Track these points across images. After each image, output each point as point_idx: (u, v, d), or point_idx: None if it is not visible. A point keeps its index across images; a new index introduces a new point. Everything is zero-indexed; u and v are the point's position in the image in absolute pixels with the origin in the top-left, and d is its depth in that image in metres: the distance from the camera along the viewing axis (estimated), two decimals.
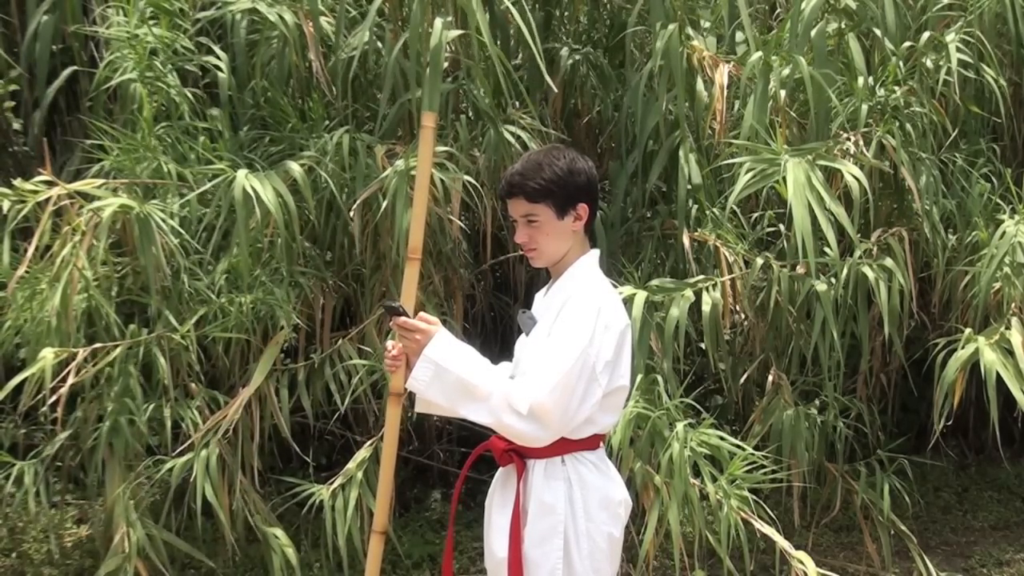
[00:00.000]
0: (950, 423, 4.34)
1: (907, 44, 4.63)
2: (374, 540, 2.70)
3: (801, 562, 3.84)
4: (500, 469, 2.70)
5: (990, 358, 4.08)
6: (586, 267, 2.63)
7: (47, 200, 3.92)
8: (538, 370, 2.47)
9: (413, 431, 4.76)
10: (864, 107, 4.47)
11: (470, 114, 4.80)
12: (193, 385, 4.19)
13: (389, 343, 2.61)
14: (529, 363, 2.55)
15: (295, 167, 4.19)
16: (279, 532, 4.08)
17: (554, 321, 2.55)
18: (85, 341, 3.99)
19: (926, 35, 4.63)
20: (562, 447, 2.56)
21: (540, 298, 2.75)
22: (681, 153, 4.60)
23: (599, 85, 5.21)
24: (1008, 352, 4.12)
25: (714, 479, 3.86)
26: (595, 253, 2.67)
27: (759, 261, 4.39)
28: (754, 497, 3.88)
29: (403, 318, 2.50)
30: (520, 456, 2.59)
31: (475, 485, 5.04)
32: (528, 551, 2.55)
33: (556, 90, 4.72)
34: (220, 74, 4.46)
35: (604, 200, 4.96)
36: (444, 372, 2.45)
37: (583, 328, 2.48)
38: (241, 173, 4.02)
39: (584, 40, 5.37)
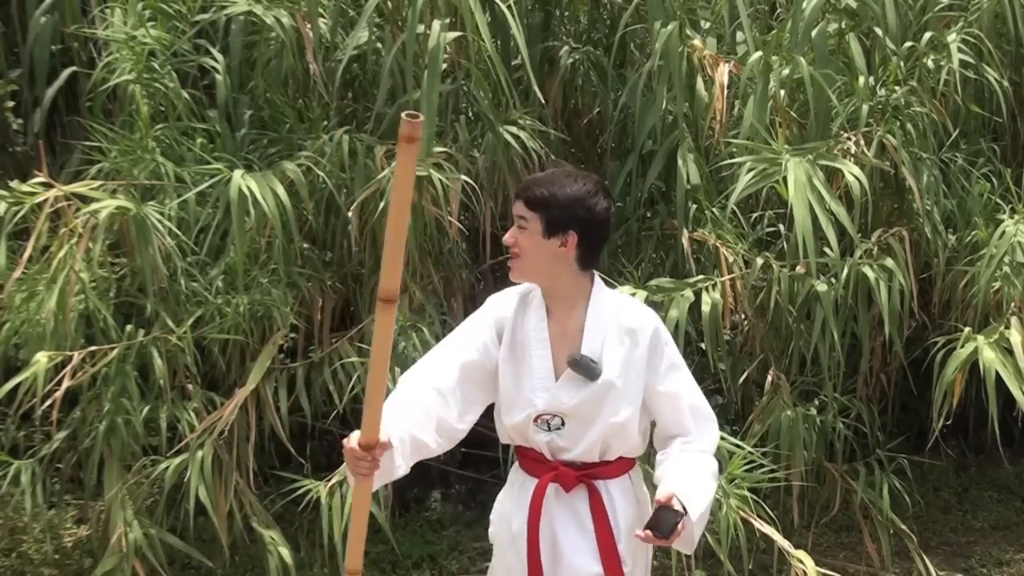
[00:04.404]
0: (950, 423, 4.33)
1: (908, 44, 4.62)
2: None
3: (801, 561, 3.83)
4: (547, 491, 2.65)
5: (989, 357, 4.07)
6: (610, 291, 2.71)
7: (44, 202, 3.92)
8: (698, 412, 2.69)
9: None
10: (865, 107, 4.46)
11: (470, 114, 4.79)
12: (190, 386, 4.18)
13: (354, 436, 2.27)
14: (675, 410, 2.68)
15: (291, 167, 4.18)
16: (275, 533, 4.07)
17: (634, 348, 2.62)
18: (83, 342, 3.99)
19: (927, 35, 4.62)
20: (629, 464, 2.72)
21: (550, 328, 2.65)
22: (680, 153, 4.59)
23: (599, 84, 5.20)
24: (1007, 351, 4.11)
25: None
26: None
27: (759, 261, 4.37)
28: (754, 497, 3.87)
29: None
30: (591, 479, 2.68)
31: (475, 485, 5.03)
32: (625, 567, 2.68)
33: (544, 101, 4.69)
34: (217, 76, 4.45)
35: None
36: (697, 517, 2.53)
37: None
38: (237, 173, 4.02)
39: (584, 40, 5.36)
